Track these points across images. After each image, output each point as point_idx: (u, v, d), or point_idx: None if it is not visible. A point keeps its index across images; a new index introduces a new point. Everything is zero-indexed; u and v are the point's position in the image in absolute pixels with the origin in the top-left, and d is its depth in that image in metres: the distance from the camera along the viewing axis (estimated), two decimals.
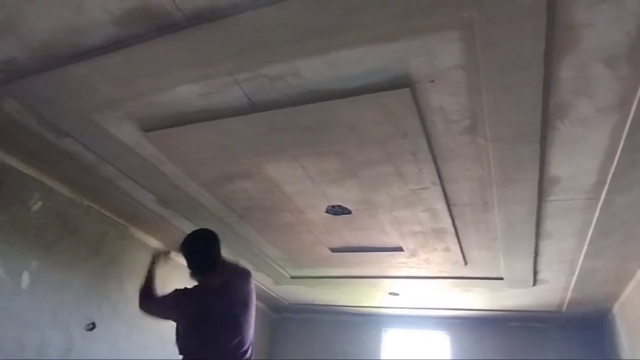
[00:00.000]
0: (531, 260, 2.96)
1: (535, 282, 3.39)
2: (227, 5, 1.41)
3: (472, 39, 1.42)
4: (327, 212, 2.72)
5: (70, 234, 2.88)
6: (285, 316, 5.45)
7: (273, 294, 4.73)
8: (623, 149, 1.79)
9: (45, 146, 2.35)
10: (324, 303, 4.89)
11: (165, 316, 2.45)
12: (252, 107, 1.87)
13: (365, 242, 3.13)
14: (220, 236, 3.26)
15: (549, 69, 1.49)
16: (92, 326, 2.93)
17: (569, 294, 3.54)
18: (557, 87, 1.57)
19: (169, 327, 2.39)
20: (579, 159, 1.92)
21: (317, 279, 4.05)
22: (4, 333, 2.40)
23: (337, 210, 2.70)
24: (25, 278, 2.58)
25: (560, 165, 1.99)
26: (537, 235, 2.64)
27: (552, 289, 3.51)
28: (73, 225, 2.90)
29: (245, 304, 2.38)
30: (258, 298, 4.85)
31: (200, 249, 2.43)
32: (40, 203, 2.69)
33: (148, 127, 2.09)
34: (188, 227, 3.23)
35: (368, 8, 1.34)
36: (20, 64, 1.77)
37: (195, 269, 2.38)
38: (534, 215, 2.38)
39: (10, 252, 2.50)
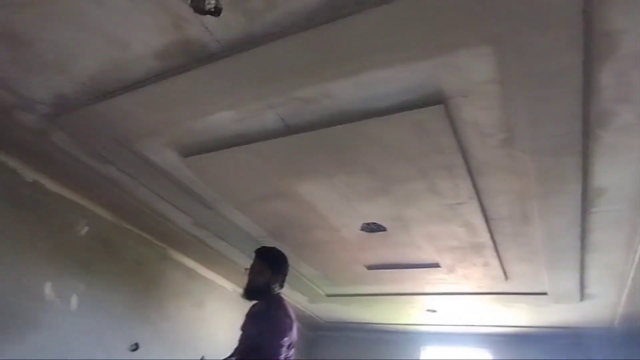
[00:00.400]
0: (577, 274, 2.83)
1: (582, 297, 3.22)
2: (261, 34, 1.46)
3: (505, 53, 1.41)
4: (362, 229, 2.71)
5: (113, 257, 2.99)
6: (321, 334, 5.40)
7: (309, 313, 4.71)
8: None
9: (90, 174, 2.48)
10: (360, 321, 4.82)
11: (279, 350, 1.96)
12: (287, 130, 1.91)
13: (401, 259, 3.09)
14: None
15: (588, 78, 1.46)
16: (136, 347, 3.01)
17: (621, 309, 3.34)
18: (598, 96, 1.53)
19: (209, 344, 2.38)
20: (624, 167, 1.85)
21: (352, 297, 4.01)
22: (54, 355, 2.50)
23: (373, 228, 2.68)
24: (74, 301, 2.69)
25: (604, 175, 1.91)
26: (583, 248, 2.53)
27: (601, 304, 3.33)
28: (115, 248, 3.01)
29: None
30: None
31: (287, 270, 2.23)
32: (87, 228, 2.81)
33: (186, 152, 2.17)
34: (222, 247, 3.30)
35: (397, 30, 1.36)
36: (69, 98, 1.89)
37: (280, 284, 2.16)
38: (577, 227, 2.29)
39: (59, 276, 2.62)
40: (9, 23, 1.54)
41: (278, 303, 2.09)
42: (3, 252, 2.38)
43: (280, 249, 3.17)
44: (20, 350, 2.36)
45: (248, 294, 2.14)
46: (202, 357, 2.33)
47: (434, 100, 1.63)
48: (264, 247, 2.34)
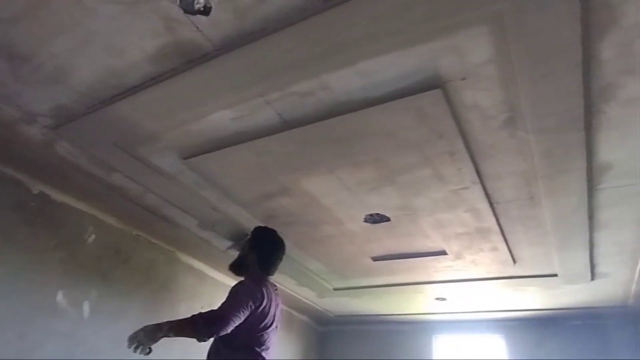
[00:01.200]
0: (587, 253, 2.81)
1: (593, 277, 3.20)
2: (253, 30, 1.44)
3: (502, 32, 1.39)
4: (365, 221, 2.70)
5: (123, 263, 3.00)
6: (332, 329, 5.41)
7: (318, 307, 4.71)
8: None
9: (95, 182, 2.48)
10: (370, 313, 4.82)
11: (240, 317, 1.99)
12: (285, 125, 1.90)
13: (408, 249, 3.08)
14: None
15: (588, 52, 1.43)
16: (149, 350, 3.02)
17: (634, 286, 3.32)
18: (599, 69, 1.50)
19: None
20: (631, 141, 1.82)
21: (361, 289, 4.01)
22: None
23: (376, 219, 2.67)
24: (86, 308, 2.70)
25: (611, 150, 1.89)
26: (592, 226, 2.50)
27: (613, 282, 3.30)
28: (125, 254, 3.02)
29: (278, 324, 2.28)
30: (303, 312, 4.89)
31: (278, 250, 2.37)
32: (94, 236, 2.82)
33: (187, 154, 2.17)
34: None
35: (392, 15, 1.34)
36: (69, 108, 1.90)
37: (263, 263, 2.28)
38: (585, 205, 2.27)
39: (71, 284, 2.63)
40: (6, 37, 1.54)
41: (252, 278, 2.19)
42: (15, 265, 2.40)
43: (287, 245, 3.16)
44: (37, 358, 2.38)
45: (230, 267, 2.39)
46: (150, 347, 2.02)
47: (432, 84, 1.61)
48: (258, 226, 2.50)
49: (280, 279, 3.80)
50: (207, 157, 2.14)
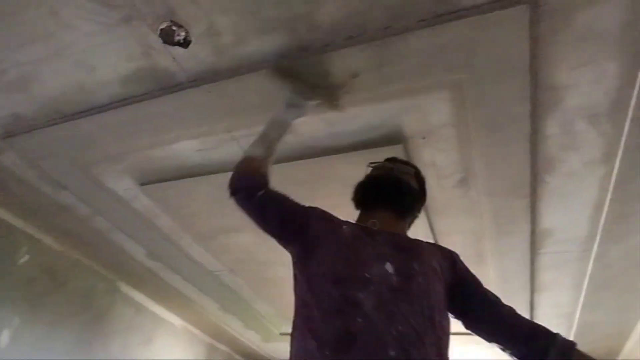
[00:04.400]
0: (528, 314, 2.92)
1: None
2: (229, 67, 1.48)
3: (461, 99, 1.51)
4: None
5: (57, 289, 2.78)
6: None
7: (263, 353, 4.53)
8: (611, 200, 1.84)
9: (41, 199, 2.34)
10: None
11: (283, 221, 1.29)
12: None
13: None
14: (210, 291, 3.15)
15: (535, 126, 1.57)
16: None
17: None
18: (545, 143, 1.65)
19: None
20: (570, 211, 1.97)
21: None
22: None
23: None
24: (5, 336, 2.45)
25: (551, 218, 2.03)
26: (532, 288, 2.63)
27: None
28: (61, 279, 2.81)
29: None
30: (246, 356, 4.67)
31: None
32: (27, 257, 2.62)
33: (145, 180, 2.11)
34: (176, 281, 3.16)
35: (363, 72, 1.42)
36: (26, 118, 1.82)
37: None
38: (527, 267, 2.39)
39: None
40: None
41: None
42: None
43: (237, 284, 3.04)
44: None
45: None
46: None
47: (395, 140, 1.69)
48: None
49: (226, 319, 3.65)
50: (166, 185, 2.09)
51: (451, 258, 1.27)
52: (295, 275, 1.24)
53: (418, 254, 1.17)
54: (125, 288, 3.32)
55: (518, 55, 1.34)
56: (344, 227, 1.21)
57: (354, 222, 1.30)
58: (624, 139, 1.57)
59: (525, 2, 1.23)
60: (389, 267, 1.08)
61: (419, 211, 1.42)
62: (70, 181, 2.17)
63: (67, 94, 1.66)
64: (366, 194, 1.36)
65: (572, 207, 1.94)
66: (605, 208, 1.89)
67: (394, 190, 1.31)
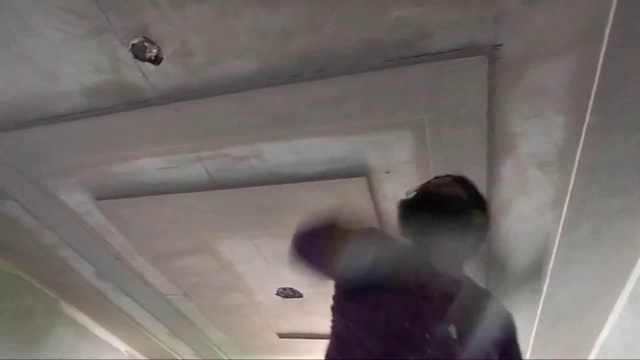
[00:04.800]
0: None
1: None
2: (199, 88, 1.49)
3: (422, 138, 1.57)
4: (277, 294, 2.64)
5: None
6: None
7: None
8: (559, 246, 1.92)
9: None
10: None
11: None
12: (212, 184, 1.88)
13: (316, 329, 3.02)
14: (161, 316, 3.00)
15: (492, 169, 1.65)
16: None
17: None
18: (500, 185, 1.72)
19: None
20: (520, 255, 2.04)
21: None
22: None
23: (288, 293, 2.63)
24: None
25: (505, 260, 2.09)
26: None
27: None
28: None
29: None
30: None
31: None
32: None
33: (101, 195, 2.03)
34: (125, 304, 3.01)
35: (330, 104, 1.46)
36: None
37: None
38: None
39: None
40: None
41: None
42: None
43: (190, 310, 2.92)
44: None
45: None
46: None
47: (359, 172, 1.73)
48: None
49: (175, 346, 3.49)
50: (122, 202, 2.02)
51: None
52: None
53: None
54: (69, 309, 3.12)
55: (477, 101, 1.42)
56: None
57: None
58: (570, 187, 1.67)
59: (484, 53, 1.32)
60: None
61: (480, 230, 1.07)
62: (18, 191, 2.06)
63: (25, 100, 1.61)
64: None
65: (523, 250, 2.01)
66: (554, 252, 1.98)
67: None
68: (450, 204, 1.07)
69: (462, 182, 1.17)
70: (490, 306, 1.05)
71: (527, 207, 1.79)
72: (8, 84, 1.55)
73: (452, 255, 1.02)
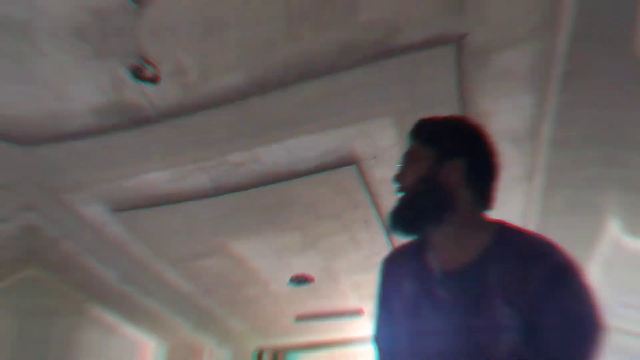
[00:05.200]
0: None
1: None
2: (196, 102, 1.63)
3: (403, 123, 1.71)
4: (290, 282, 2.82)
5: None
6: None
7: None
8: (536, 212, 2.08)
9: None
10: None
11: None
12: (216, 191, 2.04)
13: (328, 309, 3.21)
14: (185, 311, 3.16)
15: None
16: None
17: None
18: None
19: None
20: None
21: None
22: None
23: (301, 280, 2.81)
24: None
25: None
26: None
27: None
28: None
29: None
30: None
31: None
32: None
33: (117, 207, 2.18)
34: (150, 303, 3.17)
35: (316, 104, 1.61)
36: None
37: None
38: None
39: None
40: None
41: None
42: None
43: (211, 305, 3.05)
44: None
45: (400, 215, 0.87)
46: None
47: (349, 161, 1.88)
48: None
49: (200, 337, 3.68)
50: (139, 213, 2.18)
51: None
52: None
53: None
54: (95, 311, 3.24)
55: (447, 86, 1.56)
56: None
57: None
58: (545, 160, 1.81)
59: (452, 42, 1.45)
60: None
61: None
62: (39, 203, 2.16)
63: (39, 119, 1.70)
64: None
65: (505, 217, 2.17)
66: (533, 219, 2.13)
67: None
68: (421, 202, 0.81)
69: (420, 133, 0.88)
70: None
71: (505, 178, 1.93)
72: (25, 104, 1.64)
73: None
